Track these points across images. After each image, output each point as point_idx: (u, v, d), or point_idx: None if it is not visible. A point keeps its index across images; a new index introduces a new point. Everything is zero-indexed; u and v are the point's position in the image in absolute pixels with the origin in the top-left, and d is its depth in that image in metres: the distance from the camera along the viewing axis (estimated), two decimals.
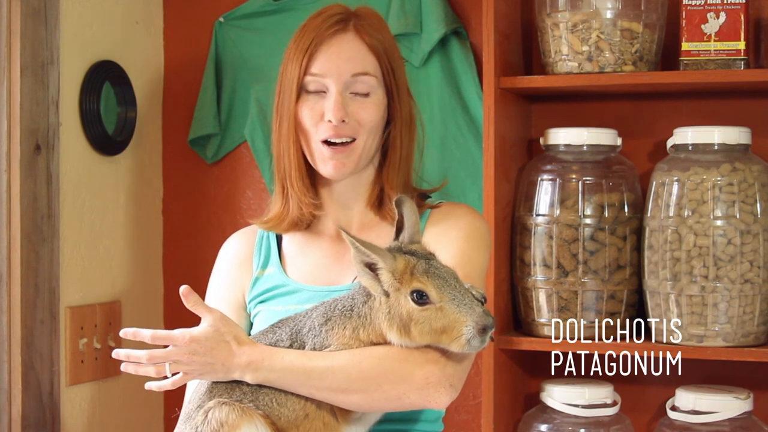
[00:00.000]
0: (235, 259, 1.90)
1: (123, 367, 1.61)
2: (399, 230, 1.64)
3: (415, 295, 1.53)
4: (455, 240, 1.76)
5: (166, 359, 1.58)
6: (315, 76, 1.75)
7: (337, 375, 1.57)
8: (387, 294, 1.56)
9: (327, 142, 1.76)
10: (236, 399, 1.59)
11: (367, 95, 1.76)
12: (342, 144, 1.75)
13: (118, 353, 1.60)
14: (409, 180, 1.85)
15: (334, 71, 1.74)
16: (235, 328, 1.62)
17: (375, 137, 1.78)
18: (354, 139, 1.76)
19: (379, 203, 1.83)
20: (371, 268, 1.56)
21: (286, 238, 1.88)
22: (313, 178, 1.83)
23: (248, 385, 1.61)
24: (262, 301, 1.83)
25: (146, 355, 1.58)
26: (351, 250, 1.55)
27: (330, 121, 1.74)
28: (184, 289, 1.60)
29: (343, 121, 1.73)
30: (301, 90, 1.77)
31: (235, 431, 1.53)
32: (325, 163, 1.77)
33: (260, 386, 1.60)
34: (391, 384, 1.58)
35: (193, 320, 1.93)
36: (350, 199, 1.84)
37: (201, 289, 1.91)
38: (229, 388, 1.62)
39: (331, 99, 1.74)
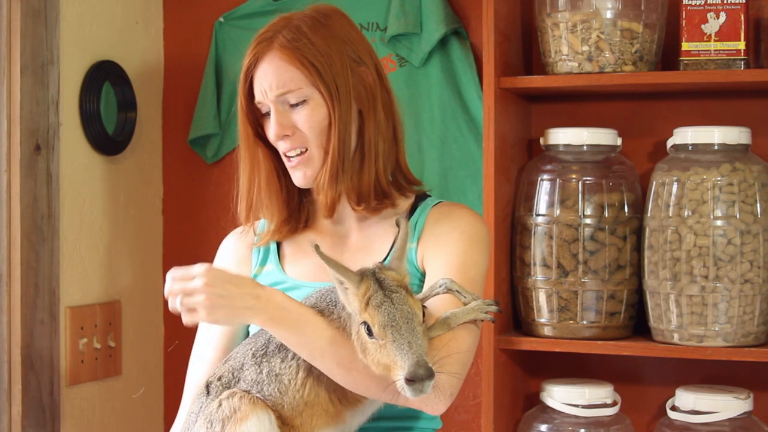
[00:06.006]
0: (235, 256, 1.91)
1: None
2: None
3: (365, 326, 1.53)
4: (457, 242, 1.76)
5: (182, 292, 1.58)
6: (258, 104, 1.81)
7: (345, 347, 1.58)
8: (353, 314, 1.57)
9: (288, 155, 1.81)
10: (243, 389, 1.63)
11: (303, 102, 1.77)
12: (298, 155, 1.79)
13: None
14: (375, 173, 1.81)
15: (264, 96, 1.78)
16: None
17: (326, 140, 1.78)
18: (307, 149, 1.78)
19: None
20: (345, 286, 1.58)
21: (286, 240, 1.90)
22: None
23: (251, 376, 1.64)
24: None
25: (168, 289, 1.59)
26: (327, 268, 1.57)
27: (273, 139, 1.80)
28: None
29: (287, 135, 1.78)
30: (259, 115, 1.82)
31: (245, 419, 1.58)
32: (292, 174, 1.82)
33: (263, 378, 1.63)
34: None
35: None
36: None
37: None
38: (233, 380, 1.66)
39: (271, 118, 1.79)
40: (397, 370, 1.48)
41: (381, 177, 1.81)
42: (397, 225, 1.64)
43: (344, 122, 1.76)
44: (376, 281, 1.54)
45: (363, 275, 1.55)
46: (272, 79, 1.76)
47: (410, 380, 1.45)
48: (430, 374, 1.46)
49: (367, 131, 1.79)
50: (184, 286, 1.58)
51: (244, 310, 1.59)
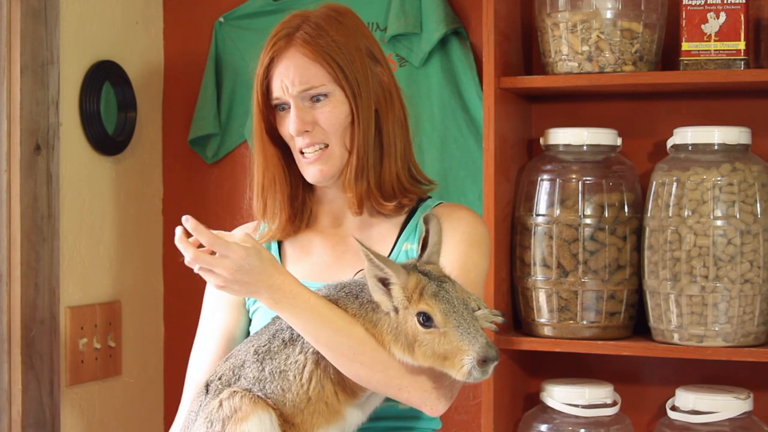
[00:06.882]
0: None
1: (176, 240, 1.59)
2: (424, 248, 1.66)
3: (421, 317, 1.54)
4: (459, 244, 1.77)
5: (210, 265, 1.57)
6: (275, 100, 1.80)
7: (351, 340, 1.58)
8: (396, 310, 1.57)
9: (303, 152, 1.80)
10: (244, 387, 1.62)
11: (325, 96, 1.77)
12: (316, 151, 1.78)
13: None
14: (394, 172, 1.82)
15: (285, 92, 1.78)
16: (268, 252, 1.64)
17: (346, 137, 1.78)
18: (327, 145, 1.78)
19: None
20: (384, 282, 1.57)
21: (287, 239, 1.89)
22: (309, 185, 1.86)
23: (253, 374, 1.63)
24: None
25: (191, 257, 1.57)
26: (365, 263, 1.56)
27: (293, 135, 1.79)
28: (189, 221, 1.56)
29: (307, 131, 1.77)
30: (274, 108, 1.82)
31: (246, 418, 1.58)
32: (306, 171, 1.81)
33: (265, 376, 1.62)
34: (398, 373, 1.59)
35: (195, 320, 1.93)
36: (343, 202, 1.85)
37: (201, 288, 1.91)
38: (234, 377, 1.65)
39: (291, 113, 1.78)
40: (463, 355, 1.50)
41: (401, 173, 1.83)
42: (425, 223, 1.66)
43: (366, 120, 1.77)
44: (422, 273, 1.57)
45: (410, 268, 1.57)
46: (294, 76, 1.76)
47: (483, 361, 1.49)
48: (498, 354, 1.51)
49: (385, 129, 1.81)
50: (209, 261, 1.56)
51: (252, 294, 1.62)
